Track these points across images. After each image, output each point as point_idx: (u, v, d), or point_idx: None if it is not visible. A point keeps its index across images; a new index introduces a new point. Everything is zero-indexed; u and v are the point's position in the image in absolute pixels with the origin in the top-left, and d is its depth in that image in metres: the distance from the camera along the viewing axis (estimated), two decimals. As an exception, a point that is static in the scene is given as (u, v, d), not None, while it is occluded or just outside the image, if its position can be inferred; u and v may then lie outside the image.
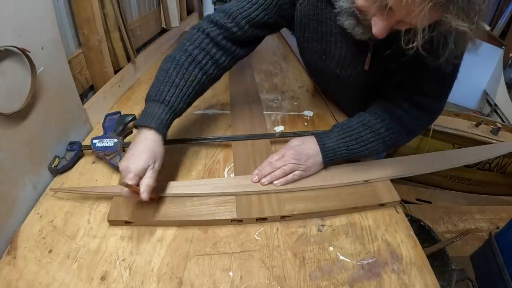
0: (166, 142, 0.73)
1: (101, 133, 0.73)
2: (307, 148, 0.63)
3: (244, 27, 0.64)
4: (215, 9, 1.89)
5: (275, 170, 0.61)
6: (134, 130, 0.64)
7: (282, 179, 0.61)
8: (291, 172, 0.61)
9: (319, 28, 0.65)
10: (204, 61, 0.63)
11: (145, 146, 0.55)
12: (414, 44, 0.43)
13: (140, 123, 0.57)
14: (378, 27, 0.48)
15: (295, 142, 0.65)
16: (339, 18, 0.57)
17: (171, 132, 0.81)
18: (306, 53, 0.75)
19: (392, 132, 0.64)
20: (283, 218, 0.57)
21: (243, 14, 0.63)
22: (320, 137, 0.64)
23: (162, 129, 0.58)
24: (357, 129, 0.64)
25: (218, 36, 0.64)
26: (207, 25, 0.65)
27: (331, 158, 0.63)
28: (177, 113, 0.62)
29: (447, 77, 0.62)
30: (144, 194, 0.51)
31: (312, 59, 0.74)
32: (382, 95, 0.70)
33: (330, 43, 0.66)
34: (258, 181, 0.61)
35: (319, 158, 0.63)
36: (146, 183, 0.52)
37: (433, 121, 0.69)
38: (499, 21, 2.23)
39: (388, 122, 0.64)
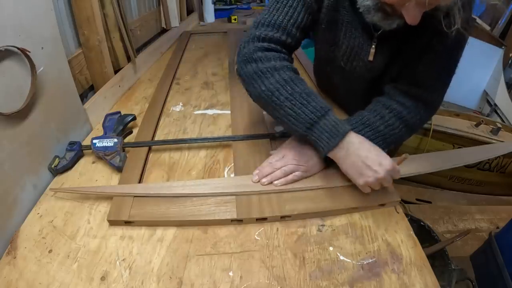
0: (167, 142, 0.74)
1: (101, 133, 0.73)
2: (308, 148, 0.63)
3: (296, 34, 0.64)
4: (214, 5, 1.88)
5: (275, 171, 0.61)
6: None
7: (282, 180, 0.61)
8: (291, 173, 0.61)
9: (335, 16, 0.66)
10: (293, 67, 0.62)
11: (368, 147, 0.56)
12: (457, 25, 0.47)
13: (337, 142, 0.54)
14: (410, 16, 0.49)
15: (296, 142, 0.65)
16: (366, 16, 0.58)
17: (171, 132, 0.81)
18: (319, 43, 0.76)
19: (392, 129, 0.64)
20: (283, 218, 0.57)
21: (291, 21, 0.62)
22: None
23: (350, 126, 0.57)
24: (357, 128, 0.64)
25: (281, 50, 0.63)
26: (262, 43, 0.61)
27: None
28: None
29: (443, 68, 0.63)
30: None
31: (323, 49, 0.75)
32: (379, 92, 0.71)
33: (340, 32, 0.67)
34: (258, 181, 0.61)
35: (320, 158, 0.63)
36: None
37: (432, 114, 0.69)
38: (499, 21, 2.23)
39: (388, 119, 0.64)
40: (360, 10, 0.58)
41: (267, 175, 0.61)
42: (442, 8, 0.49)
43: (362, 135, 0.63)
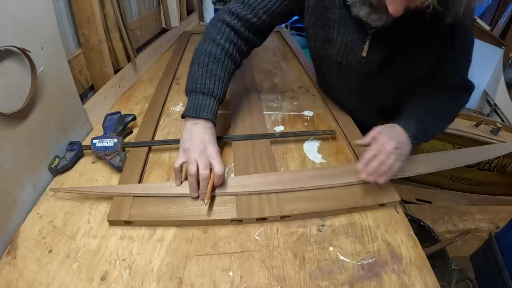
0: (167, 142, 0.74)
1: (101, 133, 0.73)
2: (400, 136, 0.61)
3: (262, 17, 0.69)
4: (214, 5, 1.91)
5: (381, 165, 0.57)
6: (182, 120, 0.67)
7: (386, 177, 0.57)
8: (394, 164, 0.57)
9: (325, 14, 0.67)
10: (233, 52, 0.70)
11: (211, 136, 0.62)
12: (429, 1, 0.45)
13: (193, 115, 0.63)
14: (394, 5, 0.50)
15: (389, 133, 0.60)
16: (353, 9, 0.60)
17: (171, 132, 0.81)
18: (311, 40, 0.76)
19: (444, 116, 0.71)
20: (283, 218, 0.57)
21: (261, 4, 0.68)
22: (404, 126, 0.63)
23: (215, 120, 0.65)
24: (421, 117, 0.67)
25: (241, 28, 0.70)
26: (229, 17, 0.69)
27: (415, 143, 0.63)
28: (221, 102, 0.68)
29: (460, 59, 0.67)
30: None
31: (316, 47, 0.76)
32: (378, 91, 0.74)
33: (334, 30, 0.68)
34: (366, 179, 0.57)
35: (409, 146, 0.61)
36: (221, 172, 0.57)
37: (470, 96, 0.73)
38: (499, 21, 2.23)
39: (435, 111, 0.69)
40: (348, 3, 0.60)
41: (373, 171, 0.57)
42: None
43: (427, 122, 0.67)
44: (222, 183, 0.60)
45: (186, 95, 0.67)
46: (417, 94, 0.71)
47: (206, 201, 0.55)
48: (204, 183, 0.56)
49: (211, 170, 0.57)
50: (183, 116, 0.65)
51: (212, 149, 0.59)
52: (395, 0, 0.49)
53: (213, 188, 0.58)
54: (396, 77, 0.72)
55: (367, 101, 0.81)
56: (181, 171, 0.59)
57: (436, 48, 0.63)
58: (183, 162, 0.58)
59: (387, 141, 0.59)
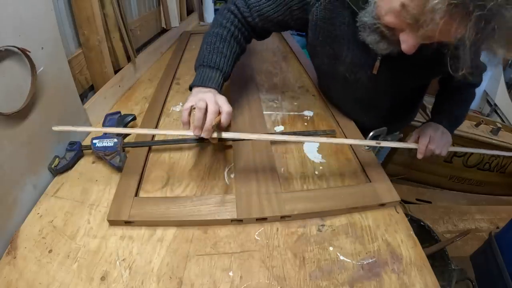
0: (167, 142, 0.74)
1: (101, 133, 0.73)
2: (441, 131, 0.73)
3: (255, 19, 0.72)
4: (215, 5, 1.91)
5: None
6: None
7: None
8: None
9: (333, 31, 0.67)
10: (239, 35, 0.74)
11: (212, 91, 0.64)
12: (464, 70, 0.45)
13: (199, 84, 0.65)
14: (408, 44, 0.49)
15: (433, 132, 0.72)
16: (361, 33, 0.58)
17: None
18: (318, 56, 0.76)
19: (467, 104, 0.80)
20: (283, 218, 0.57)
21: (257, 7, 0.71)
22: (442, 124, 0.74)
23: (219, 90, 0.66)
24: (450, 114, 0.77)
25: (242, 20, 0.74)
26: (234, 8, 0.73)
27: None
28: (226, 78, 0.71)
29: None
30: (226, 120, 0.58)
31: (323, 62, 0.76)
32: (380, 100, 0.75)
33: (343, 47, 0.68)
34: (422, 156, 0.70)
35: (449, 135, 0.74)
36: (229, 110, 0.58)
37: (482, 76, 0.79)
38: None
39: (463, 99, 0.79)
40: (357, 25, 0.58)
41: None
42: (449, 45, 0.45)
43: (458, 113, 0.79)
44: (223, 129, 0.59)
45: (195, 70, 0.70)
46: (441, 92, 0.81)
47: (215, 134, 0.56)
48: (212, 117, 0.56)
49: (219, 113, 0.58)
50: (190, 88, 0.67)
51: (222, 98, 0.60)
52: (410, 39, 0.48)
53: (218, 126, 0.58)
54: (403, 87, 0.71)
55: (370, 109, 0.81)
56: (189, 115, 0.58)
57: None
58: (192, 106, 0.58)
59: (432, 134, 0.70)
